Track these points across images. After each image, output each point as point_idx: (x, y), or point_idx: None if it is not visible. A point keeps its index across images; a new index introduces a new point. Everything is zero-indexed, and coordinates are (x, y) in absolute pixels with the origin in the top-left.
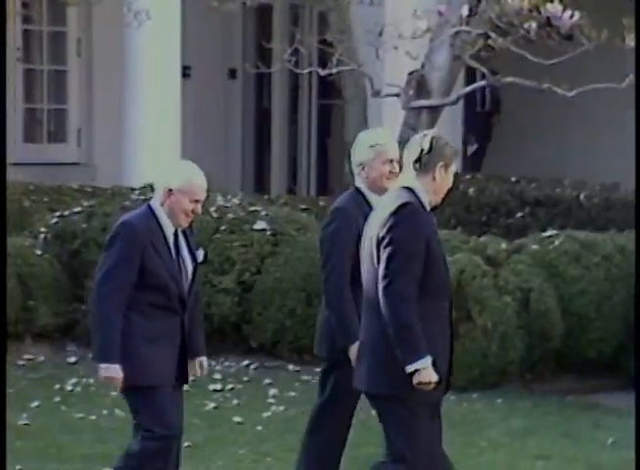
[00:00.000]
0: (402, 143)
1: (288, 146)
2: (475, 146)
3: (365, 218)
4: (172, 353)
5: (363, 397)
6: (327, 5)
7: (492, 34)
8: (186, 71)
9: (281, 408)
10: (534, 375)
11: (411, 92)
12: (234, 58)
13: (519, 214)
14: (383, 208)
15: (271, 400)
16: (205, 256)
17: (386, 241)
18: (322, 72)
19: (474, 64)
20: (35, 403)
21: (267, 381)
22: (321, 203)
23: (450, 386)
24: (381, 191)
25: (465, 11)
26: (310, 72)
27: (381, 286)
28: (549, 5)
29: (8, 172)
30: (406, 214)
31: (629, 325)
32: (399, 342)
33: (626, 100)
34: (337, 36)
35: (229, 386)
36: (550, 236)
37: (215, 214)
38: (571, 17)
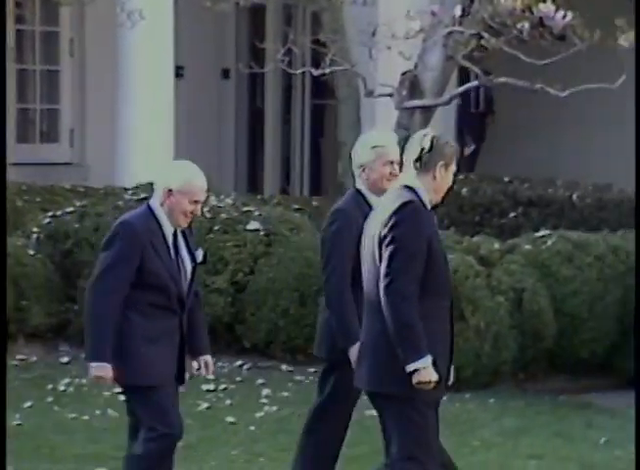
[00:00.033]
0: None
1: (281, 146)
2: (472, 146)
3: (365, 220)
4: (172, 353)
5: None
6: (320, 5)
7: (485, 34)
8: (179, 72)
9: (274, 408)
10: (527, 375)
11: (404, 92)
12: (227, 58)
13: (512, 215)
14: (384, 206)
15: (264, 401)
16: (205, 256)
17: (387, 239)
18: (315, 72)
19: (466, 64)
20: (28, 404)
21: (260, 381)
22: (314, 203)
23: (449, 385)
24: (381, 192)
25: (458, 11)
26: (303, 73)
27: (382, 285)
28: (542, 5)
29: None
30: (408, 213)
31: (622, 325)
32: (400, 341)
33: (619, 100)
34: (330, 36)
35: (222, 386)
36: (543, 236)
37: (208, 215)
38: (564, 17)
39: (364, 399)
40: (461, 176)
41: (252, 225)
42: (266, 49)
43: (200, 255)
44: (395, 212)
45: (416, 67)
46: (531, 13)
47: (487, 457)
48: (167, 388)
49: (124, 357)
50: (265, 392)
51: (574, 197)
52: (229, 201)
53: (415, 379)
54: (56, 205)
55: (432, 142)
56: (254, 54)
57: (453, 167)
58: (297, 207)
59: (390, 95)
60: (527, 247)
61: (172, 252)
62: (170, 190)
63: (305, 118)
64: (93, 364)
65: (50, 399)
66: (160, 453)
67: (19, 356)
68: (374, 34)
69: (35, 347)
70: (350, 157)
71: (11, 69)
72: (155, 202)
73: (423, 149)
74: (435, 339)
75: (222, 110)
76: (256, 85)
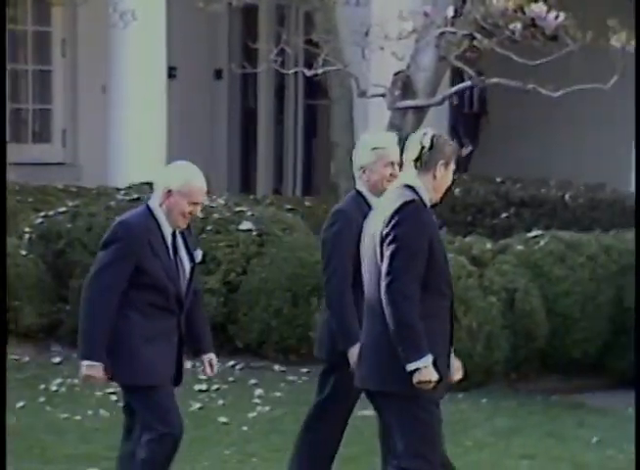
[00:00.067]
0: None
1: (274, 146)
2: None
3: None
4: (170, 354)
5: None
6: (313, 5)
7: (477, 35)
8: (172, 72)
9: (266, 409)
10: (519, 375)
11: (397, 92)
12: (220, 58)
13: (504, 215)
14: (384, 205)
15: (257, 401)
16: (204, 256)
17: (389, 238)
18: (308, 73)
19: (459, 64)
20: (20, 404)
21: (253, 381)
22: (307, 203)
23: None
24: (382, 194)
25: (450, 12)
26: (296, 73)
27: (383, 284)
28: (534, 6)
29: None
30: (410, 212)
31: (614, 325)
32: (401, 340)
33: (611, 100)
34: (323, 37)
35: (214, 386)
36: (535, 236)
37: (201, 214)
38: (556, 17)
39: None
40: (454, 176)
41: (245, 225)
42: (259, 49)
43: (198, 255)
44: (397, 211)
45: (408, 67)
46: (523, 13)
47: (480, 457)
48: (167, 388)
49: (125, 357)
50: (258, 392)
51: (567, 197)
52: (221, 201)
53: (415, 378)
54: (48, 205)
55: (432, 141)
56: (247, 54)
57: (452, 166)
58: (289, 207)
59: (383, 95)
60: (520, 247)
61: (171, 252)
62: (170, 191)
63: (298, 119)
64: (84, 363)
65: (42, 399)
66: (164, 455)
67: (11, 357)
68: (367, 35)
69: (27, 347)
70: (350, 158)
71: None
72: (154, 202)
73: (423, 148)
74: (436, 338)
75: (215, 110)
76: (249, 85)
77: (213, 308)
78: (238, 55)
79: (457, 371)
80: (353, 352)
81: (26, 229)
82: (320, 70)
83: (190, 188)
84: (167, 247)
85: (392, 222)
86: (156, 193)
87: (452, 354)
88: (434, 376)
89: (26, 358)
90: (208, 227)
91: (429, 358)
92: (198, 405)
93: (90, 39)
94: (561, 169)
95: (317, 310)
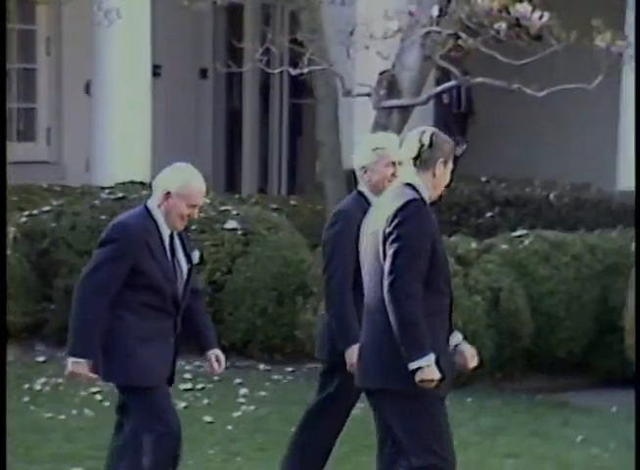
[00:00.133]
0: None
1: (259, 145)
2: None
3: None
4: (166, 355)
5: None
6: (298, 4)
7: (462, 35)
8: (156, 71)
9: (251, 408)
10: (504, 374)
11: (382, 92)
12: (205, 57)
13: (488, 214)
14: (384, 204)
15: (242, 400)
16: (201, 257)
17: (392, 237)
18: (293, 72)
19: (444, 64)
20: None
21: (238, 380)
22: (292, 202)
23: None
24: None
25: (435, 11)
26: (281, 72)
27: (386, 282)
28: (518, 5)
29: None
30: (413, 211)
31: (599, 324)
32: (403, 338)
33: (595, 100)
34: (308, 36)
35: (199, 385)
36: (520, 236)
37: None
38: (541, 17)
39: None
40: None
41: (230, 224)
42: (244, 48)
43: (196, 256)
44: (400, 210)
45: (394, 66)
46: (508, 13)
47: (465, 456)
48: (163, 388)
49: (120, 358)
50: (243, 391)
51: (552, 196)
52: (207, 200)
53: (418, 377)
54: (32, 204)
55: (431, 139)
56: (232, 53)
57: (451, 164)
58: (274, 206)
59: (368, 95)
60: (504, 246)
61: (169, 253)
62: (169, 192)
63: (283, 118)
64: (71, 359)
65: (26, 398)
66: (167, 455)
67: None
68: (352, 34)
69: (11, 346)
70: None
71: None
72: (152, 203)
73: (422, 145)
74: (438, 337)
75: (200, 109)
76: (234, 85)
77: None
78: (223, 54)
79: (472, 358)
80: (351, 353)
81: (11, 228)
82: (305, 70)
83: (189, 190)
84: (165, 248)
85: (395, 221)
86: (154, 194)
87: (465, 342)
88: (436, 375)
89: (10, 358)
90: (193, 226)
91: (431, 357)
92: (183, 404)
93: (75, 37)
94: (545, 169)
95: (302, 310)
